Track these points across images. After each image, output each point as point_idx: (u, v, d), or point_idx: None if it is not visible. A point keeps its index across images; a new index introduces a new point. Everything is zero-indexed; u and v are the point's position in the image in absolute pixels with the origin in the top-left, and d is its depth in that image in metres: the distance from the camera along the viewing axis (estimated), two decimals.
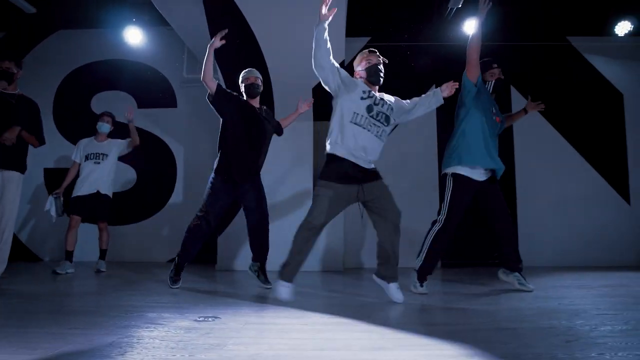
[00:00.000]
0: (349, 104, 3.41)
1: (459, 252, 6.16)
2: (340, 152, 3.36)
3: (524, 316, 2.85)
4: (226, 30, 3.90)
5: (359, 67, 3.58)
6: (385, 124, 3.49)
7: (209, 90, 4.06)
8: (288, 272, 3.39)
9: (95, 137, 5.74)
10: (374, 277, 3.56)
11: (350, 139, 3.35)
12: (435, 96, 3.66)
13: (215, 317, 2.79)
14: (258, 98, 4.31)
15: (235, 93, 4.22)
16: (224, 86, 5.74)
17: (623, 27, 6.44)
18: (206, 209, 4.01)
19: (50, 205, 5.39)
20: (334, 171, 3.36)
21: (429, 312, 3.14)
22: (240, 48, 5.53)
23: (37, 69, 6.98)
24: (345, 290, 4.22)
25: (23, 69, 4.31)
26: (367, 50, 3.63)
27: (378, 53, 3.59)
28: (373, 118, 3.41)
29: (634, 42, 6.67)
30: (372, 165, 3.49)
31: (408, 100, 3.71)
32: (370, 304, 3.42)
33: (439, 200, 4.20)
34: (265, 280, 4.19)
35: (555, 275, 5.20)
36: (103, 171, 5.58)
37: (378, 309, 3.18)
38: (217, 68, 5.77)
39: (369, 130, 3.38)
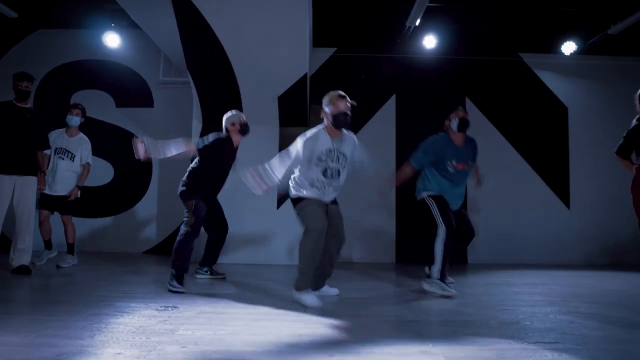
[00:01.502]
0: (306, 173, 3.71)
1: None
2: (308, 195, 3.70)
3: (438, 311, 3.39)
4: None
5: (327, 109, 3.66)
6: (342, 168, 3.80)
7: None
8: (307, 282, 3.59)
9: (65, 131, 5.74)
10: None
11: (314, 190, 3.71)
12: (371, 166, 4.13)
13: (174, 307, 3.28)
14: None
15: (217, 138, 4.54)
16: (194, 93, 6.20)
17: (569, 47, 7.01)
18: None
19: None
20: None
21: (357, 303, 3.65)
22: (210, 58, 5.93)
23: (18, 66, 7.27)
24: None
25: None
26: (337, 94, 3.68)
27: (347, 98, 3.68)
28: (328, 178, 3.71)
29: (578, 60, 7.26)
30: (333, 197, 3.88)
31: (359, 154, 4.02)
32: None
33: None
34: (218, 273, 4.89)
35: (493, 273, 5.77)
36: (66, 170, 5.62)
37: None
38: (189, 75, 6.19)
39: (329, 185, 3.73)
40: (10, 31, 7.51)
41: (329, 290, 4.00)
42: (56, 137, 5.65)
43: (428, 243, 4.22)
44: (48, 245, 5.75)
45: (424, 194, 4.36)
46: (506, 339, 2.55)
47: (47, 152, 5.51)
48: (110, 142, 7.40)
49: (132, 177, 7.49)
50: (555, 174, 7.22)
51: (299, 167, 3.73)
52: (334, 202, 3.92)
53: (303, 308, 3.35)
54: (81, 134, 5.85)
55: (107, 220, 7.36)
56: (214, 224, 4.89)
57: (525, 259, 6.86)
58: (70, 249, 5.68)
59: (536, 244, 7.01)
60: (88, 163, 5.78)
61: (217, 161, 4.54)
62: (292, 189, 3.79)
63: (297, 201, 3.74)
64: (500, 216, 7.08)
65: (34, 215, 4.97)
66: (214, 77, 6.20)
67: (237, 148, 4.80)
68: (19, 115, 4.85)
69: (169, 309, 3.22)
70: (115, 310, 3.13)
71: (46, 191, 5.47)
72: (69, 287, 4.26)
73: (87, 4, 6.76)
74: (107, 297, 3.59)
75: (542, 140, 7.27)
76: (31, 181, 4.92)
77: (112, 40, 7.04)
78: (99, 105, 7.46)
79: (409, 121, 7.10)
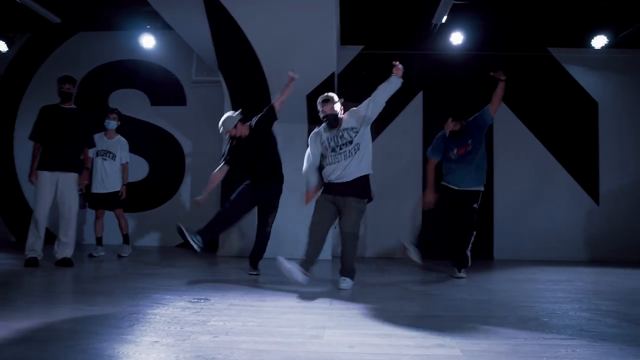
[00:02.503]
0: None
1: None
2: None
3: (455, 307, 3.50)
4: None
5: (320, 112, 4.35)
6: (349, 144, 4.22)
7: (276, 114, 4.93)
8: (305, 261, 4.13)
9: (104, 134, 6.24)
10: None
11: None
12: (390, 82, 4.49)
13: (206, 299, 3.47)
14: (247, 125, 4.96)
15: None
16: (225, 92, 6.40)
17: (599, 41, 6.93)
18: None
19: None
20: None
21: (380, 298, 3.78)
22: (241, 58, 6.11)
23: (60, 68, 7.65)
24: (325, 277, 4.85)
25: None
26: (321, 99, 4.34)
27: (333, 99, 4.32)
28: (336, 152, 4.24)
29: (609, 55, 7.17)
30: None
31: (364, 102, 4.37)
32: (337, 291, 4.08)
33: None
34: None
35: (518, 269, 5.82)
36: (110, 170, 6.15)
37: (341, 295, 3.83)
38: (220, 75, 6.39)
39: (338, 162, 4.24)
40: (52, 35, 7.87)
41: (343, 283, 4.18)
42: (97, 141, 6.01)
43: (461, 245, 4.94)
44: (99, 241, 6.17)
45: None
46: (523, 334, 2.65)
47: (90, 155, 5.90)
48: (145, 139, 7.70)
49: (166, 172, 7.76)
50: (584, 169, 7.18)
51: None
52: (352, 193, 4.18)
53: (328, 302, 3.51)
54: (119, 136, 6.34)
55: (142, 215, 7.66)
56: (258, 216, 5.05)
57: (552, 256, 6.87)
58: (126, 239, 6.30)
59: (564, 240, 6.99)
60: (127, 162, 6.31)
61: (235, 160, 4.86)
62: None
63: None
64: (528, 212, 7.09)
65: (76, 210, 5.23)
66: (244, 76, 6.38)
67: (246, 137, 4.87)
68: (61, 115, 5.13)
69: (201, 301, 3.42)
70: (152, 301, 3.35)
71: (98, 190, 6.08)
72: (108, 280, 4.51)
73: (124, 7, 7.03)
74: (143, 289, 3.82)
75: (571, 136, 7.22)
76: (73, 177, 5.16)
77: (147, 41, 7.32)
78: (135, 103, 7.77)
79: (436, 117, 7.08)
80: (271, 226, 4.96)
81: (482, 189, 5.03)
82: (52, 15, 6.88)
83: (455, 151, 5.02)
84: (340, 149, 4.21)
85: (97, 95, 7.86)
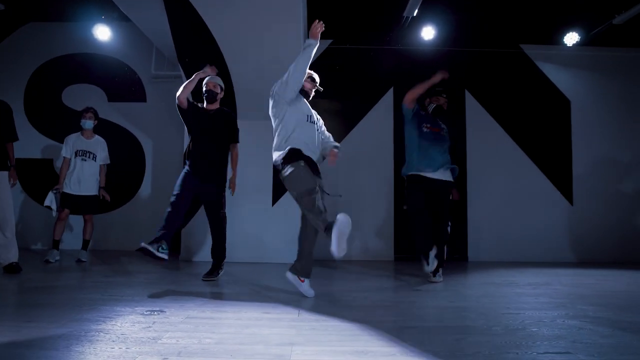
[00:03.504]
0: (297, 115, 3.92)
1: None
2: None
3: (437, 315, 3.22)
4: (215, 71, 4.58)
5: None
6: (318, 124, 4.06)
7: (178, 103, 4.50)
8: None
9: (81, 133, 6.00)
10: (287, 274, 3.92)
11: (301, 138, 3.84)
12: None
13: (161, 311, 3.11)
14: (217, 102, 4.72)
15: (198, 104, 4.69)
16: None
17: (571, 38, 6.83)
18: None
19: (51, 201, 5.68)
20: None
21: (353, 308, 3.48)
22: (202, 49, 5.76)
23: (8, 60, 7.15)
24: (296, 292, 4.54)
25: None
26: (309, 75, 4.14)
27: (317, 82, 4.21)
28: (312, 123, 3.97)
29: (581, 52, 7.08)
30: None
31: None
32: (307, 299, 3.76)
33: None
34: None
35: (495, 271, 5.61)
36: (88, 172, 5.90)
37: (311, 304, 3.52)
38: (181, 69, 6.01)
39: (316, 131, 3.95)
40: None
41: (307, 289, 3.89)
42: (75, 141, 5.95)
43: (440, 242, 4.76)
44: (56, 245, 5.79)
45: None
46: (513, 349, 2.39)
47: (67, 156, 5.84)
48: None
49: (125, 173, 7.32)
50: (557, 169, 7.06)
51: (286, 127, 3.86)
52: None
53: (296, 312, 3.19)
54: (97, 136, 6.13)
55: (99, 218, 7.17)
56: (210, 217, 4.72)
57: (526, 257, 6.73)
58: (86, 245, 6.00)
59: (538, 241, 6.86)
60: (107, 164, 6.13)
61: (193, 128, 4.57)
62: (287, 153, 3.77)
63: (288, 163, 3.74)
64: (500, 212, 6.92)
65: (12, 209, 4.73)
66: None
67: (217, 115, 4.65)
68: None
69: (155, 313, 3.06)
70: (98, 315, 2.97)
71: (70, 191, 5.77)
72: (55, 289, 4.08)
73: None
74: (92, 300, 3.43)
75: (544, 134, 7.10)
76: (4, 176, 4.68)
77: (102, 33, 6.90)
78: (91, 100, 7.31)
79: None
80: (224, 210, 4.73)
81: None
82: None
83: (429, 126, 4.86)
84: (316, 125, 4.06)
85: (49, 91, 7.37)
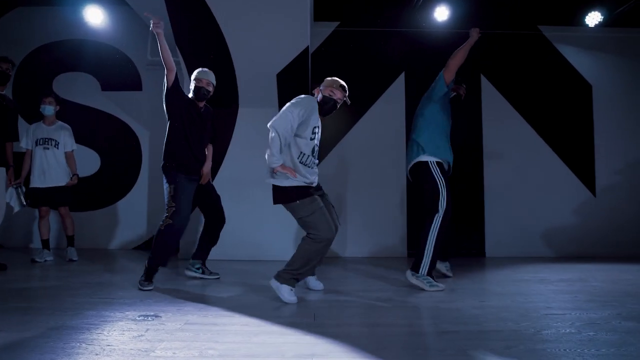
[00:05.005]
0: (300, 142, 3.44)
1: None
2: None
3: (470, 317, 2.81)
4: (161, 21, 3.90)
5: (323, 89, 3.55)
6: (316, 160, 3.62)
7: (168, 76, 4.01)
8: (297, 280, 3.36)
9: (43, 121, 5.54)
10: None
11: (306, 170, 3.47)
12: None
13: (156, 316, 2.71)
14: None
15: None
16: (185, 73, 5.62)
17: (593, 18, 6.39)
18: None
19: (11, 196, 5.22)
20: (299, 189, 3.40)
21: (375, 310, 3.08)
22: (202, 33, 5.36)
23: None
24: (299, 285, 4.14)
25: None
26: (341, 84, 3.56)
27: (347, 93, 3.60)
28: (313, 157, 3.54)
29: (603, 33, 6.64)
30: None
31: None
32: (323, 300, 3.37)
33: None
34: (211, 272, 4.33)
35: (519, 267, 5.20)
36: (52, 160, 5.42)
37: (323, 308, 3.12)
38: (179, 54, 5.59)
39: (311, 168, 3.52)
40: None
41: (316, 284, 3.77)
42: (35, 129, 5.50)
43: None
44: (46, 245, 5.43)
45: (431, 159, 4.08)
46: (577, 358, 1.98)
47: (27, 147, 5.42)
48: (97, 128, 6.82)
49: (120, 166, 6.89)
50: (579, 157, 6.61)
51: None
52: (321, 188, 3.71)
53: (311, 316, 2.78)
54: (59, 122, 5.62)
55: (93, 214, 6.78)
56: (209, 210, 4.31)
57: (547, 251, 6.32)
58: (71, 241, 5.56)
59: (559, 234, 6.43)
60: (73, 150, 5.59)
61: (183, 120, 4.04)
62: (280, 176, 3.39)
63: (294, 194, 3.36)
64: (519, 203, 6.49)
65: (4, 210, 4.54)
66: (206, 54, 5.59)
67: (205, 114, 4.21)
68: None
69: (149, 318, 2.65)
70: (83, 321, 2.57)
71: (36, 184, 5.33)
72: (39, 291, 3.68)
73: None
74: (78, 304, 3.02)
75: (564, 120, 6.66)
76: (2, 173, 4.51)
77: (94, 15, 6.44)
78: (83, 89, 6.89)
79: (419, 101, 6.46)
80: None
81: None
82: None
83: (449, 116, 4.30)
84: (314, 152, 3.57)
85: (39, 80, 6.93)
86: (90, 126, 6.75)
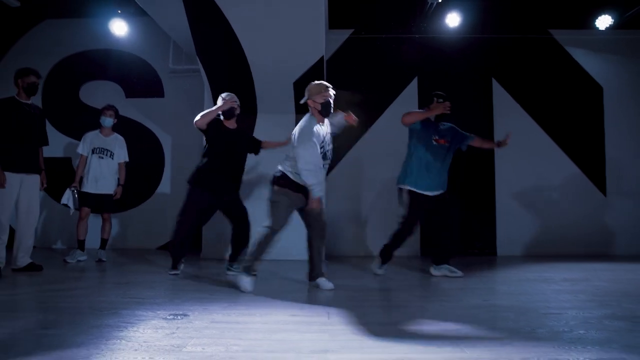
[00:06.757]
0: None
1: None
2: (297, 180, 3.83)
3: (473, 316, 3.03)
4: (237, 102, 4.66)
5: (316, 99, 3.88)
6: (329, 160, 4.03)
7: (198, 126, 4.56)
8: (252, 267, 3.86)
9: (100, 131, 5.88)
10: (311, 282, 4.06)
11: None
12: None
13: (184, 315, 2.98)
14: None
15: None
16: (205, 81, 5.90)
17: (604, 21, 6.52)
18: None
19: (68, 199, 5.59)
20: (290, 183, 3.83)
21: (384, 309, 3.31)
22: (221, 43, 5.61)
23: (25, 59, 7.07)
24: (312, 285, 4.39)
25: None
26: (325, 85, 3.92)
27: (331, 88, 3.95)
28: (327, 159, 3.96)
29: (614, 36, 6.77)
30: None
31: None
32: (335, 298, 3.61)
33: None
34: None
35: (527, 266, 5.39)
36: (106, 169, 5.77)
37: (339, 305, 3.36)
38: (199, 62, 5.87)
39: (325, 166, 3.97)
40: (16, 23, 7.27)
41: (327, 284, 3.96)
42: (93, 138, 5.83)
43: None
44: (81, 245, 5.72)
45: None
46: (563, 354, 2.20)
47: (84, 153, 5.74)
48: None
49: (144, 169, 7.22)
50: (590, 159, 6.77)
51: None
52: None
53: (326, 314, 3.03)
54: (116, 134, 5.99)
55: (119, 216, 7.12)
56: (233, 217, 4.75)
57: (558, 250, 6.48)
58: (104, 244, 5.90)
59: (570, 234, 6.59)
60: (125, 162, 5.98)
61: (214, 145, 4.60)
62: (287, 171, 3.85)
63: (280, 184, 3.85)
64: (531, 205, 6.68)
65: (38, 215, 4.86)
66: (225, 63, 5.87)
67: (238, 133, 4.73)
68: (23, 111, 4.67)
69: (179, 317, 2.92)
70: (120, 320, 2.84)
71: (88, 190, 5.65)
72: (75, 291, 3.98)
73: None
74: (113, 304, 3.31)
75: (575, 122, 6.81)
76: (37, 180, 4.81)
77: (119, 28, 6.79)
78: (108, 96, 7.20)
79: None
80: None
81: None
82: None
83: (437, 137, 4.63)
84: (330, 143, 4.00)
85: (66, 89, 7.31)
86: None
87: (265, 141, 4.98)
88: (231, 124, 4.71)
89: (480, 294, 3.84)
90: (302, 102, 3.99)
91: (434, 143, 4.60)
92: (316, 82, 3.96)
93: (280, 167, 3.91)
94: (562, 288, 4.04)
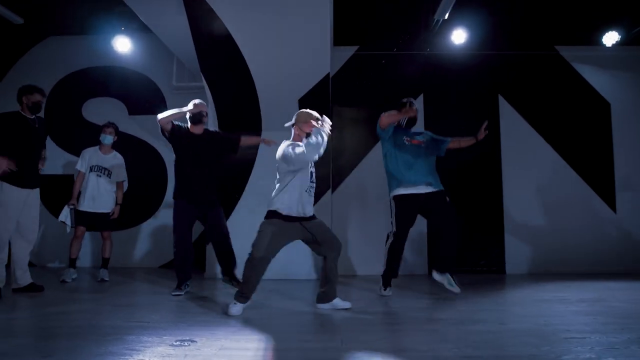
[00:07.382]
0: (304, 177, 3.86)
1: None
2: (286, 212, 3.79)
3: (491, 341, 2.90)
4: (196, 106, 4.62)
5: (303, 127, 3.91)
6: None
7: (162, 128, 4.55)
8: (244, 297, 3.77)
9: (99, 148, 5.81)
10: (319, 305, 3.97)
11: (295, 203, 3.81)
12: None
13: (192, 341, 2.85)
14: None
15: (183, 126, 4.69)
16: (209, 98, 5.83)
17: (611, 37, 6.48)
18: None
19: (66, 216, 5.51)
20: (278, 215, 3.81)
21: (397, 332, 3.19)
22: (226, 60, 5.57)
23: (28, 75, 7.02)
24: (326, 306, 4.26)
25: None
26: (313, 114, 3.94)
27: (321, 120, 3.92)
28: (313, 182, 3.94)
29: (621, 52, 6.73)
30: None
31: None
32: (347, 322, 3.49)
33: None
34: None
35: (539, 285, 5.27)
36: (103, 188, 5.71)
37: (351, 329, 3.24)
38: (203, 80, 5.82)
39: (310, 195, 3.90)
40: (19, 39, 7.24)
41: (342, 303, 3.94)
42: (91, 155, 5.76)
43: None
44: (72, 263, 5.63)
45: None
46: None
47: (82, 170, 5.68)
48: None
49: (148, 187, 7.14)
50: (599, 175, 6.68)
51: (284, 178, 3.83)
52: (314, 216, 3.96)
53: (338, 339, 2.91)
54: (115, 152, 5.92)
55: (121, 234, 7.00)
56: (214, 242, 4.78)
57: (568, 268, 6.35)
58: (105, 263, 5.80)
59: (580, 251, 6.47)
60: (124, 181, 5.90)
61: (181, 152, 4.62)
62: (276, 207, 3.81)
63: (268, 217, 3.83)
64: (539, 222, 6.57)
65: (37, 231, 4.77)
66: (229, 80, 5.82)
67: (205, 138, 4.67)
68: (27, 127, 4.60)
69: (186, 343, 2.80)
70: (124, 347, 2.72)
71: (85, 208, 5.57)
72: (76, 314, 3.85)
73: (96, 8, 6.43)
74: (116, 329, 3.18)
75: (583, 139, 6.74)
76: (37, 195, 4.72)
77: (122, 44, 6.74)
78: (111, 113, 7.13)
79: (438, 122, 6.57)
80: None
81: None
82: (12, 15, 6.24)
83: (408, 138, 4.67)
84: (311, 177, 3.96)
85: (69, 106, 7.25)
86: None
87: (244, 137, 4.90)
88: (198, 130, 4.67)
89: (497, 316, 3.71)
90: (286, 125, 4.00)
91: (407, 143, 4.63)
92: (307, 110, 3.97)
93: (269, 209, 3.85)
94: (579, 309, 3.91)
